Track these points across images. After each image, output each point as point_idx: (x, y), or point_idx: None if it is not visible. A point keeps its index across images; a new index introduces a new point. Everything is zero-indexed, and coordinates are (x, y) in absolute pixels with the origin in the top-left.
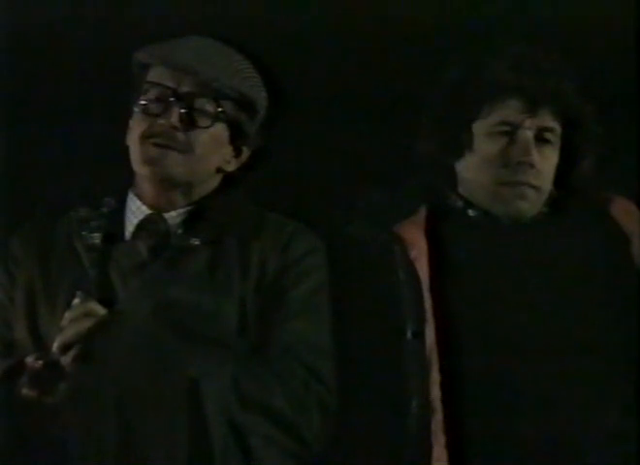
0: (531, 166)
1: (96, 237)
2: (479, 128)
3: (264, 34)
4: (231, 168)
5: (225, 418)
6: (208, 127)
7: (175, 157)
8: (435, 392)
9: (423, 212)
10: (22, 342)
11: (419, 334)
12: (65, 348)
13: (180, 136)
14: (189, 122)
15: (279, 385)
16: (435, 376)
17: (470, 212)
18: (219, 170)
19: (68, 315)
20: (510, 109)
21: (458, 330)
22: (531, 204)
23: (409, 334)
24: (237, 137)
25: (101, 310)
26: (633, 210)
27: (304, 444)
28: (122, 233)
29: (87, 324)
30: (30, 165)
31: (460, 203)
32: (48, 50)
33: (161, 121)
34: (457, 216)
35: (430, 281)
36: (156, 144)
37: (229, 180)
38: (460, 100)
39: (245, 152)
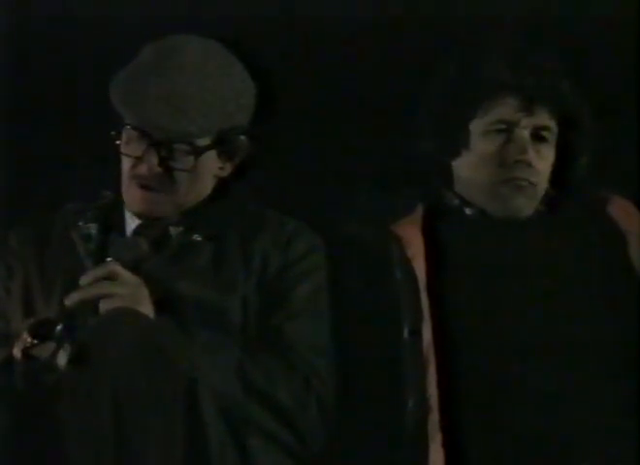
0: (528, 164)
1: (92, 228)
2: (476, 127)
3: (263, 33)
4: (226, 172)
5: (224, 411)
6: (191, 164)
7: (161, 198)
8: (432, 391)
9: (420, 211)
10: (20, 334)
11: (416, 333)
12: (79, 304)
13: (164, 176)
14: (169, 165)
15: (283, 378)
16: (432, 374)
17: (467, 211)
18: (215, 176)
19: (90, 274)
20: (507, 108)
21: (455, 329)
22: (528, 200)
23: (406, 333)
24: (225, 151)
25: (126, 275)
26: (631, 210)
27: (301, 441)
28: (120, 226)
29: (109, 287)
30: (29, 160)
31: (456, 202)
32: (47, 48)
33: (143, 166)
34: (454, 215)
35: (427, 280)
36: (141, 186)
37: (228, 180)
38: (457, 98)
39: (238, 157)
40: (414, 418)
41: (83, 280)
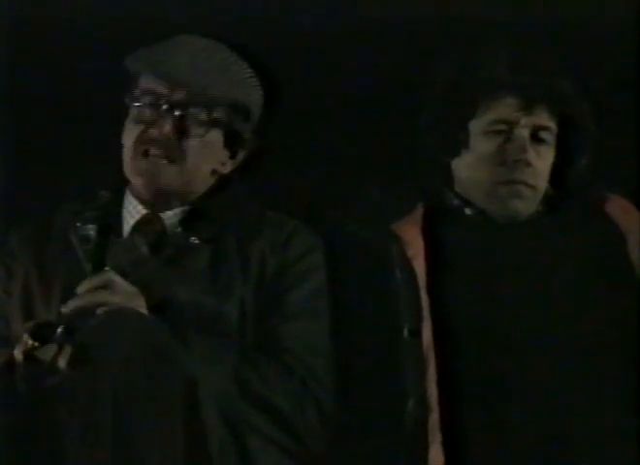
0: (528, 164)
1: (90, 229)
2: (475, 126)
3: (263, 34)
4: (226, 170)
5: (223, 415)
6: (202, 136)
7: (167, 169)
8: (432, 391)
9: (420, 211)
10: (19, 336)
11: (416, 333)
12: (76, 313)
13: (174, 144)
14: (183, 131)
15: (280, 381)
16: (432, 374)
17: (467, 211)
18: (214, 172)
19: (87, 283)
20: (506, 108)
21: (455, 329)
22: (527, 203)
23: (406, 333)
24: (231, 140)
25: (122, 284)
26: (630, 209)
27: (300, 442)
28: (118, 228)
29: (105, 296)
30: (29, 160)
31: (456, 202)
32: (48, 48)
33: (154, 130)
34: (454, 215)
35: (426, 279)
36: (148, 154)
37: (227, 180)
38: (456, 98)
39: (241, 153)
40: (414, 418)
41: (81, 288)
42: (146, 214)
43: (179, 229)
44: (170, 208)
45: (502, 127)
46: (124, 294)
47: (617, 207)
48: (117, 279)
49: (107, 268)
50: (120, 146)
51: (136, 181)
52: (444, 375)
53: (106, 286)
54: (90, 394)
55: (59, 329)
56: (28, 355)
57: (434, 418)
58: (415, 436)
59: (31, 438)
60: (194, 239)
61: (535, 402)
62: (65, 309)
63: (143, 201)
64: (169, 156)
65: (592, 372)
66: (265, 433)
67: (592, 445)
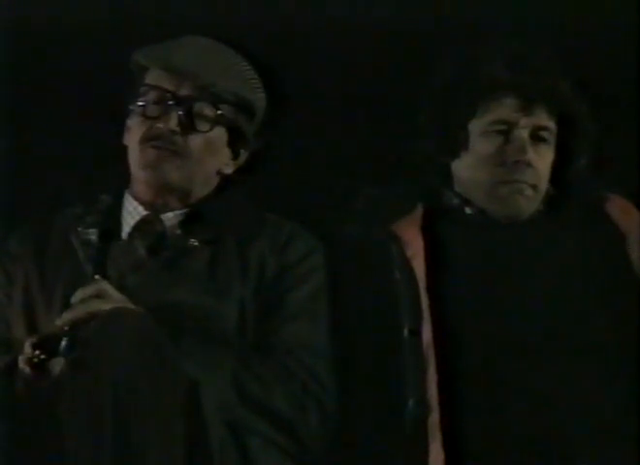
0: (528, 164)
1: (92, 233)
2: (475, 127)
3: (264, 34)
4: (229, 170)
5: (223, 418)
6: (207, 131)
7: (173, 162)
8: (432, 391)
9: (419, 211)
10: (21, 340)
11: (416, 333)
12: (71, 324)
13: (179, 139)
14: (188, 126)
15: (279, 385)
16: (432, 374)
17: (467, 210)
18: (217, 172)
19: (80, 293)
20: (505, 108)
21: (455, 329)
22: (529, 201)
23: (406, 333)
24: (235, 140)
25: (113, 293)
26: (630, 209)
27: (301, 444)
28: (119, 232)
29: (98, 304)
30: (28, 163)
31: (456, 202)
32: (48, 50)
33: (160, 125)
34: (453, 215)
35: (426, 279)
36: (155, 148)
37: (227, 182)
38: (455, 99)
39: (243, 154)
40: (414, 418)
41: (74, 298)
42: (147, 215)
43: (179, 230)
44: (171, 209)
45: (502, 127)
46: (116, 303)
47: (617, 207)
48: (109, 288)
49: (97, 277)
50: (122, 148)
51: (140, 176)
52: (444, 375)
53: (98, 295)
54: (90, 393)
55: (63, 342)
56: (35, 367)
57: (434, 418)
58: (415, 436)
59: (31, 439)
60: (193, 241)
61: (535, 402)
62: (60, 322)
63: (143, 203)
64: (174, 150)
65: (593, 372)
66: (265, 435)
67: (592, 445)
